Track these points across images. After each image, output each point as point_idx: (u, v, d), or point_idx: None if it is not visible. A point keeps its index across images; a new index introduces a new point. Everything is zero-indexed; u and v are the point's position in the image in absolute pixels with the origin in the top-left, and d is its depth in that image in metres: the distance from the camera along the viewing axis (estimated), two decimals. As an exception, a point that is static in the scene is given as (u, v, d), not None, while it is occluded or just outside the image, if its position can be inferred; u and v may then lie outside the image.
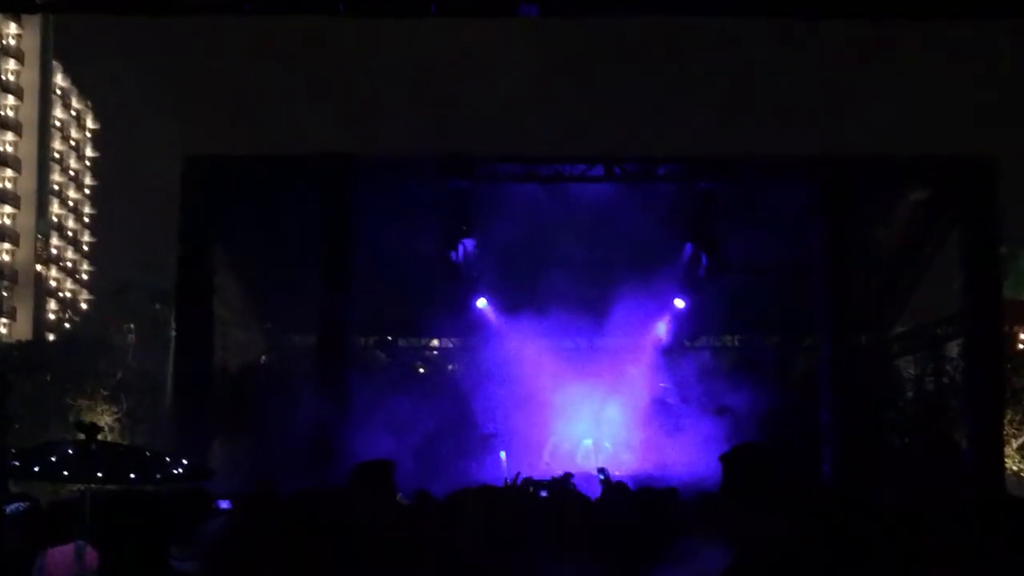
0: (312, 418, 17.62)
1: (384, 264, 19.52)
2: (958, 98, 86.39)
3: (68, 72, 79.92)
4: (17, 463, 7.80)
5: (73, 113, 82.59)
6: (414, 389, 21.74)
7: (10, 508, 6.91)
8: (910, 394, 25.34)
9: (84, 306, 76.68)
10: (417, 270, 20.24)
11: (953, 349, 23.42)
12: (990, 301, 18.81)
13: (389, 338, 24.14)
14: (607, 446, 21.21)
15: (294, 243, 19.58)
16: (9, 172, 72.64)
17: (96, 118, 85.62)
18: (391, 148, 78.63)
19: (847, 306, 19.20)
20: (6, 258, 71.67)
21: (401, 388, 20.92)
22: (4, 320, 68.30)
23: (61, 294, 78.77)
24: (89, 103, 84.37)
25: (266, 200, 19.53)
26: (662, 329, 21.79)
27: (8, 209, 72.47)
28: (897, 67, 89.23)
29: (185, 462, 8.25)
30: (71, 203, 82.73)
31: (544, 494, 11.58)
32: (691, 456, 18.85)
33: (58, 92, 78.83)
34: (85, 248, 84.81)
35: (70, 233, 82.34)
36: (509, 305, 20.95)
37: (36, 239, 73.23)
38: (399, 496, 6.56)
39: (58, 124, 79.19)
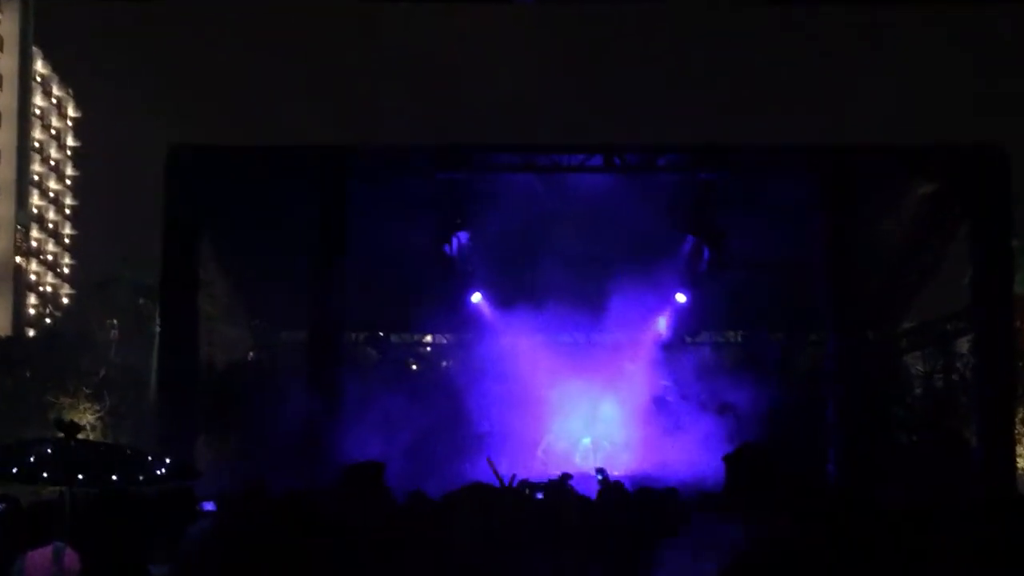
0: (302, 416, 17.33)
1: (376, 258, 19.17)
2: (964, 85, 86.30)
3: (48, 59, 79.01)
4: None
5: (54, 101, 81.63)
6: (407, 386, 21.38)
7: (-11, 510, 6.66)
8: (918, 391, 25.15)
9: (65, 300, 75.99)
10: (410, 264, 19.93)
11: (963, 345, 23.27)
12: (1001, 296, 18.50)
13: (381, 334, 23.75)
14: (606, 445, 20.80)
15: (283, 236, 19.19)
16: (-12, 162, 71.81)
17: (77, 106, 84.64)
18: (385, 139, 78.51)
19: (853, 301, 18.88)
20: (-15, 250, 70.87)
21: (393, 385, 20.56)
22: (-17, 314, 67.47)
23: (41, 288, 77.87)
24: (70, 91, 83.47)
25: (254, 192, 19.11)
26: (662, 324, 21.38)
27: (-13, 200, 71.63)
28: (900, 54, 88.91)
29: (168, 461, 7.94)
30: (52, 194, 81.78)
31: (540, 496, 11.21)
32: (692, 455, 18.56)
33: (38, 79, 77.81)
34: (66, 241, 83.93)
35: (51, 225, 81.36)
36: (504, 300, 20.54)
37: (15, 231, 72.28)
38: (393, 496, 6.43)
39: (38, 112, 78.13)
